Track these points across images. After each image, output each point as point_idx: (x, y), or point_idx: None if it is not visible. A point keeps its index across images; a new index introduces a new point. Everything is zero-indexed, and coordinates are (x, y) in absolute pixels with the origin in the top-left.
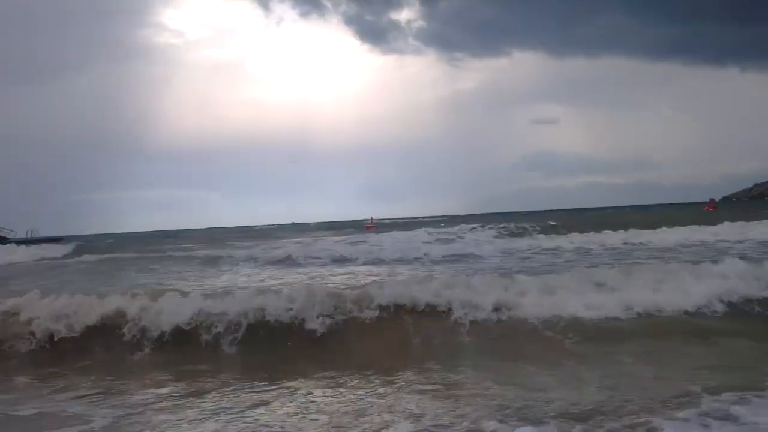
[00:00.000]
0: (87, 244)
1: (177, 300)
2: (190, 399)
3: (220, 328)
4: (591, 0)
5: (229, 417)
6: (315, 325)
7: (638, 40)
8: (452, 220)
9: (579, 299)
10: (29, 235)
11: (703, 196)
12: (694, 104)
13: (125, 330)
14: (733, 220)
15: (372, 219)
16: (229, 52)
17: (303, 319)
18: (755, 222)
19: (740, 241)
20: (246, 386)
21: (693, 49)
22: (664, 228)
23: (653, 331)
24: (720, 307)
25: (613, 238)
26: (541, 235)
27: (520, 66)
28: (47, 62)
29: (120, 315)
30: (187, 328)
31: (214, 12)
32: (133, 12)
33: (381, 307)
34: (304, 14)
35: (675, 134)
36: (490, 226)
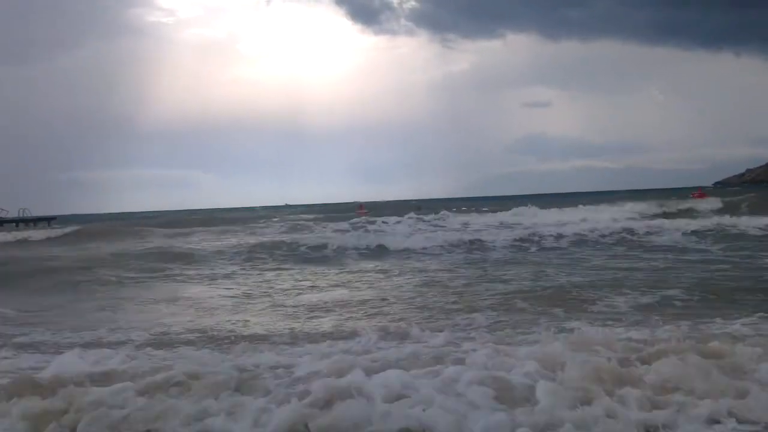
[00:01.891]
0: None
1: None
2: None
3: None
4: None
5: None
6: None
7: (633, 23)
8: (437, 205)
9: None
10: (21, 215)
11: (695, 182)
12: (687, 89)
13: None
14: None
15: (362, 205)
16: (220, 31)
17: None
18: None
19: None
20: None
21: (687, 33)
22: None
23: None
24: None
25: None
26: None
27: (514, 48)
28: (38, 41)
29: None
30: None
31: None
32: None
33: None
34: None
35: (668, 119)
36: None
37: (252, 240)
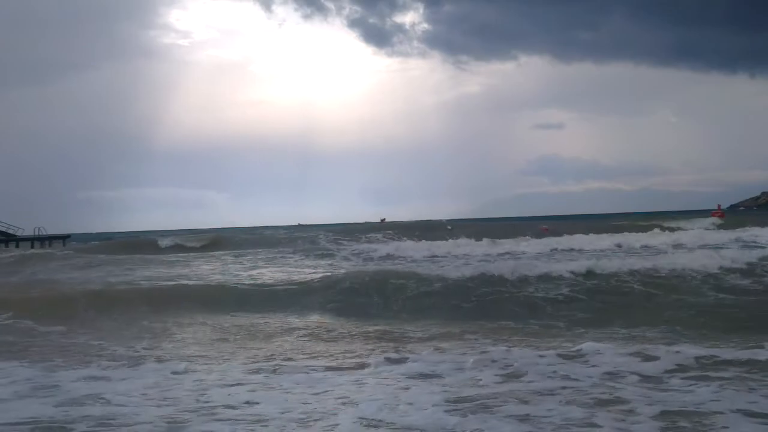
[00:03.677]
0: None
1: None
2: None
3: None
4: (599, 4)
5: None
6: None
7: (645, 45)
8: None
9: None
10: (37, 233)
11: (710, 204)
12: (701, 111)
13: None
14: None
15: (383, 219)
16: (234, 53)
17: None
18: None
19: None
20: None
21: (701, 54)
22: None
23: None
24: None
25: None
26: None
27: (527, 70)
28: (54, 63)
29: None
30: None
31: (219, 13)
32: (141, 13)
33: None
34: (306, 17)
35: (682, 141)
36: None
37: (340, 271)
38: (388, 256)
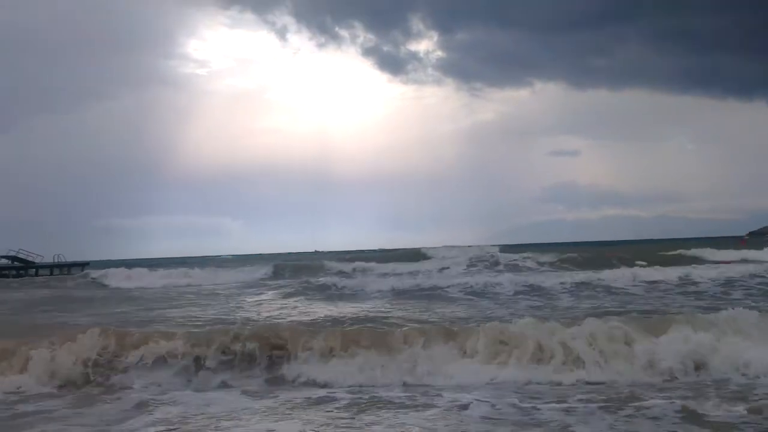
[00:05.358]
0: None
1: None
2: None
3: None
4: (613, 31)
5: None
6: None
7: (661, 71)
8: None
9: None
10: (56, 260)
11: (729, 232)
12: (719, 137)
13: None
14: None
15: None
16: (251, 81)
17: None
18: None
19: None
20: None
21: (718, 81)
22: None
23: None
24: None
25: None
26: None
27: (542, 97)
28: (75, 92)
29: None
30: None
31: (236, 42)
32: (160, 43)
33: None
34: (321, 45)
35: (699, 168)
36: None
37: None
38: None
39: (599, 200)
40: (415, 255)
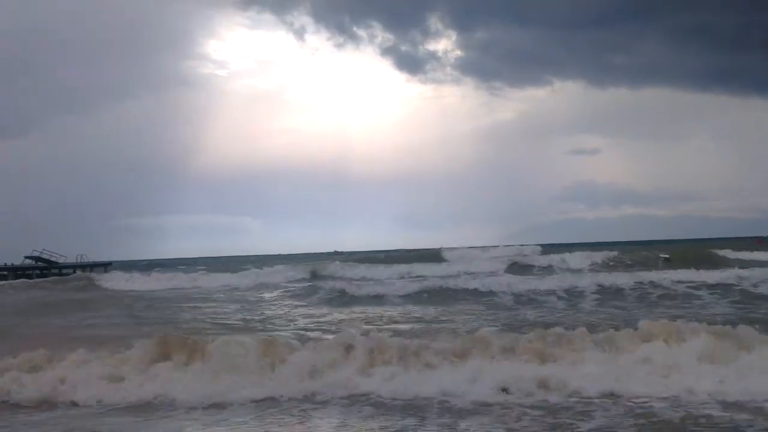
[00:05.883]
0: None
1: None
2: None
3: None
4: (633, 29)
5: None
6: None
7: (681, 69)
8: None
9: None
10: (79, 260)
11: (750, 231)
12: (739, 136)
13: None
14: None
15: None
16: (270, 82)
17: None
18: None
19: None
20: None
21: (739, 79)
22: None
23: None
24: None
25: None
26: None
27: (561, 95)
28: (97, 92)
29: None
30: None
31: (255, 43)
32: (180, 44)
33: None
34: (339, 46)
35: (720, 166)
36: None
37: None
38: None
39: (619, 199)
40: (434, 256)
